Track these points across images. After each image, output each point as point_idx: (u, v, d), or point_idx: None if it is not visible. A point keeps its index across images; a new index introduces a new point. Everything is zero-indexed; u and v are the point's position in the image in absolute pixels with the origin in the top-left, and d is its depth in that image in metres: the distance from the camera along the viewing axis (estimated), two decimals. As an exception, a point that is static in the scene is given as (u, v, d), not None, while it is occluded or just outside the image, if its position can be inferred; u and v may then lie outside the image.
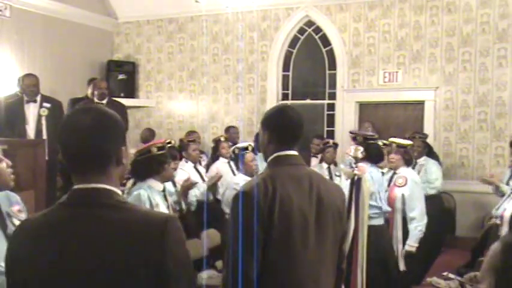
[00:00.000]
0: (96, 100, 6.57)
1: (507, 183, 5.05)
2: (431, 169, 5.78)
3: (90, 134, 1.35)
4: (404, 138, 5.26)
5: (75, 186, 1.37)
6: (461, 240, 5.92)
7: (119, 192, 1.41)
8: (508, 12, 6.43)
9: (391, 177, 4.56)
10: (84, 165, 1.36)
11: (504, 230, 4.08)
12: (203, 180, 5.58)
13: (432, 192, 5.66)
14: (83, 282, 1.29)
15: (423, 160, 5.83)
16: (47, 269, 1.31)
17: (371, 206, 4.00)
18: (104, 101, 6.59)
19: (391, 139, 4.69)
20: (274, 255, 1.91)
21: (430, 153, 6.13)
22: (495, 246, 1.27)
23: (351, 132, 4.26)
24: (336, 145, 6.30)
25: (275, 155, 2.08)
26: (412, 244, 4.28)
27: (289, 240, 1.93)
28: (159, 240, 1.29)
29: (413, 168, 5.68)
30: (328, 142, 6.20)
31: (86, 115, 1.37)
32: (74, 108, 1.40)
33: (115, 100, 6.89)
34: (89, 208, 1.34)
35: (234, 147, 5.53)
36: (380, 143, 4.61)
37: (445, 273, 4.27)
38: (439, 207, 5.82)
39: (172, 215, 1.39)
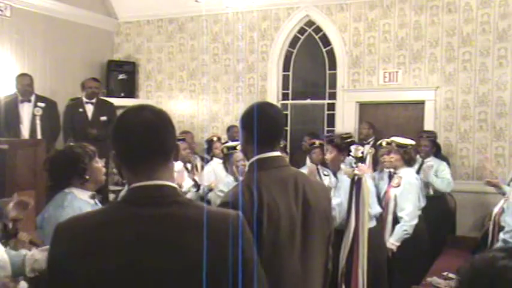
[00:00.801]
0: (85, 99, 6.58)
1: (508, 184, 5.04)
2: (445, 170, 5.64)
3: (157, 130, 1.35)
4: (409, 137, 5.21)
5: (137, 184, 1.33)
6: (462, 240, 5.91)
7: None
8: (508, 12, 6.42)
9: (390, 177, 4.52)
10: (148, 161, 1.34)
11: (491, 228, 4.09)
12: (193, 179, 5.53)
13: (449, 189, 5.59)
14: (160, 281, 1.26)
15: (431, 160, 5.73)
16: (117, 268, 1.25)
17: None
18: (93, 100, 6.60)
19: (392, 138, 4.61)
20: (263, 263, 1.87)
21: (439, 153, 6.05)
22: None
23: (326, 137, 4.14)
24: (322, 145, 6.18)
25: (257, 157, 1.96)
26: (393, 242, 4.17)
27: (277, 246, 1.88)
28: (235, 237, 1.29)
29: (419, 168, 5.65)
30: (314, 142, 6.07)
31: (147, 111, 1.37)
32: (129, 106, 1.40)
33: (104, 99, 6.91)
34: (159, 206, 1.31)
35: (222, 146, 5.38)
36: (384, 143, 4.57)
37: (445, 273, 4.27)
38: (443, 207, 5.79)
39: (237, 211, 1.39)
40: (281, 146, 5.49)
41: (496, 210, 4.14)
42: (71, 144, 2.58)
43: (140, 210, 1.30)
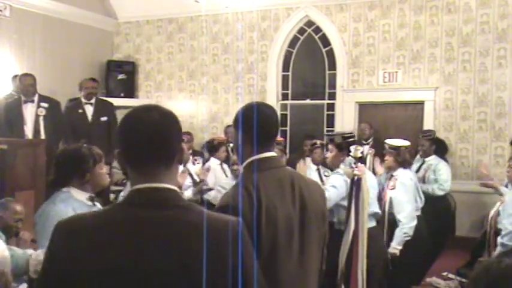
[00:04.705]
0: (83, 100, 6.55)
1: (506, 186, 5.03)
2: (441, 170, 5.63)
3: (164, 132, 1.33)
4: (406, 138, 5.19)
5: (139, 186, 1.31)
6: (461, 240, 5.91)
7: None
8: (508, 12, 6.43)
9: (390, 179, 4.51)
10: (152, 163, 1.32)
11: (487, 231, 4.09)
12: (193, 180, 5.54)
13: (440, 193, 5.56)
14: (158, 284, 1.24)
15: (433, 159, 5.73)
16: (114, 270, 1.24)
17: None
18: (92, 100, 6.58)
19: (386, 140, 4.61)
20: (261, 265, 1.86)
21: (443, 151, 6.04)
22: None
23: (327, 136, 4.17)
24: (323, 145, 6.20)
25: (255, 157, 1.93)
26: (395, 246, 4.17)
27: (275, 249, 1.86)
28: (235, 241, 1.28)
29: (420, 167, 5.66)
30: (315, 143, 6.09)
31: (154, 112, 1.34)
32: (135, 107, 1.37)
33: (103, 99, 6.89)
34: (160, 209, 1.29)
35: (229, 146, 5.50)
36: (386, 146, 4.57)
37: (444, 273, 4.28)
38: (446, 207, 5.78)
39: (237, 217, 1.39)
40: (280, 147, 5.54)
41: (492, 213, 4.13)
42: (80, 144, 2.56)
43: (141, 212, 1.28)
